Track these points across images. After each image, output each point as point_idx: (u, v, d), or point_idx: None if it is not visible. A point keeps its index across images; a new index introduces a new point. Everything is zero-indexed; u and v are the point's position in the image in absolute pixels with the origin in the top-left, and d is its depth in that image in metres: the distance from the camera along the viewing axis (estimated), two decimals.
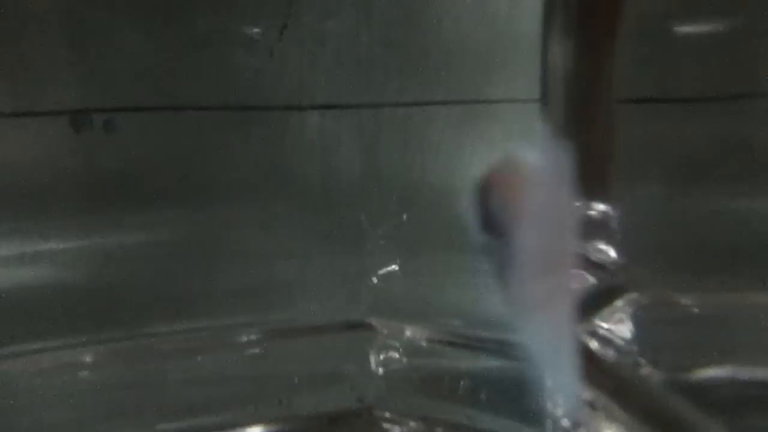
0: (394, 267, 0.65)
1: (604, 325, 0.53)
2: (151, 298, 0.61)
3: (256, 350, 0.62)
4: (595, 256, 0.54)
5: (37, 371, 0.58)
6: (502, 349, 0.57)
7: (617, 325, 0.53)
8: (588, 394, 0.49)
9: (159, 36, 0.60)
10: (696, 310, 0.50)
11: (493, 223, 0.46)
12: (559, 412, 0.49)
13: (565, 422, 0.49)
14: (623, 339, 0.52)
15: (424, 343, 0.61)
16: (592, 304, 0.54)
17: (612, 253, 0.53)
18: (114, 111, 0.59)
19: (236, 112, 0.63)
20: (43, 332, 0.59)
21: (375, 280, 0.64)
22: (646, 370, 0.49)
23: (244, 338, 0.62)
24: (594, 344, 0.51)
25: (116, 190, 0.61)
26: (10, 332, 0.58)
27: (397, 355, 0.61)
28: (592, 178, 0.55)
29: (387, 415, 0.57)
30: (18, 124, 0.58)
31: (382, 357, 0.61)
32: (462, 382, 0.57)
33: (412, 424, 0.58)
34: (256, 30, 0.62)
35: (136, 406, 0.59)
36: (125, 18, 0.59)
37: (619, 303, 0.53)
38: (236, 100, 0.63)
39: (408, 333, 0.61)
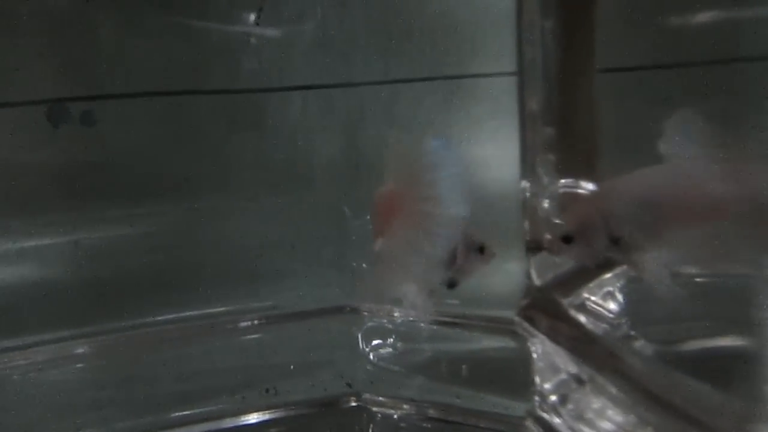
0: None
1: (593, 298, 0.52)
2: (139, 290, 0.61)
3: (246, 337, 0.62)
4: None
5: (30, 365, 0.58)
6: (490, 326, 0.56)
7: (605, 299, 0.51)
8: (576, 367, 0.48)
9: (132, 21, 0.60)
10: (689, 281, 0.48)
11: None
12: (547, 387, 0.48)
13: (553, 398, 0.48)
14: (612, 312, 0.50)
15: (412, 325, 0.60)
16: (580, 278, 0.53)
17: None
18: (90, 99, 0.58)
19: (215, 97, 0.62)
20: (33, 328, 0.59)
21: (364, 264, 0.63)
22: (638, 343, 0.48)
23: (233, 326, 0.62)
24: (582, 318, 0.50)
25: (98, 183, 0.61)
26: None
27: (385, 338, 0.60)
28: (577, 154, 0.54)
29: (377, 398, 0.57)
30: None
31: (370, 340, 0.60)
32: (449, 362, 0.56)
33: (405, 406, 0.58)
34: (232, 14, 0.61)
35: (127, 397, 0.59)
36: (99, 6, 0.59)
37: (607, 276, 0.51)
38: (214, 85, 0.62)
39: (396, 315, 0.60)
